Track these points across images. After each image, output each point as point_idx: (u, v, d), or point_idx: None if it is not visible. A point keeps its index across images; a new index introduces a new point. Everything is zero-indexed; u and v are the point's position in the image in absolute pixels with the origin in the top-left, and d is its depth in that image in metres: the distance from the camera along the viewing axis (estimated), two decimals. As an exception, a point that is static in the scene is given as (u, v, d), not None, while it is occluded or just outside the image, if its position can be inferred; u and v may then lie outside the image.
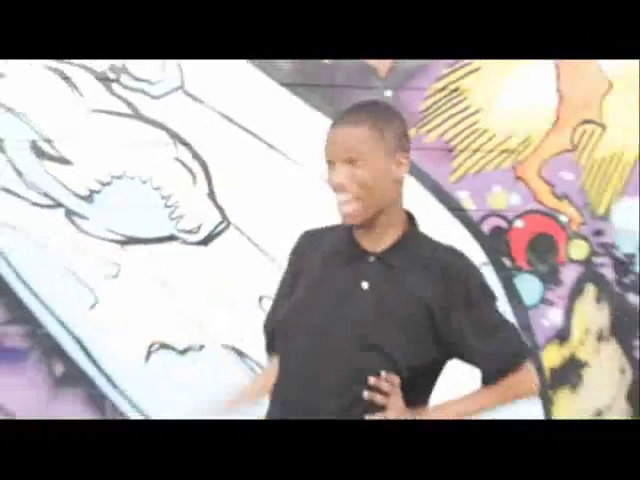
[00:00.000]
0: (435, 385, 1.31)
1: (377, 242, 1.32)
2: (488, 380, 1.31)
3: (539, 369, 2.31)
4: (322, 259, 1.39)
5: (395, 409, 1.27)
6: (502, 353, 1.30)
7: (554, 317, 2.32)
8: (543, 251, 2.30)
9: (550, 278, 2.31)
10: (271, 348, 1.47)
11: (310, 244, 1.45)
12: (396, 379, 1.24)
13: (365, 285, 1.31)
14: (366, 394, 1.24)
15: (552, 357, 2.31)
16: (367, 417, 1.26)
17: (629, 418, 2.39)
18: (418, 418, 1.28)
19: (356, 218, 1.28)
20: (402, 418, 1.28)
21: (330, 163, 1.30)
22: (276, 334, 1.43)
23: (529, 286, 2.29)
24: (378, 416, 1.25)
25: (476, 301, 1.33)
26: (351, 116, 1.31)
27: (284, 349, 1.40)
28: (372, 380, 1.23)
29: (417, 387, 1.31)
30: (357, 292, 1.32)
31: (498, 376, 1.29)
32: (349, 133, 1.28)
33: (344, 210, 1.28)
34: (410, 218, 1.38)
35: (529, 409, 2.18)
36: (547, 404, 2.31)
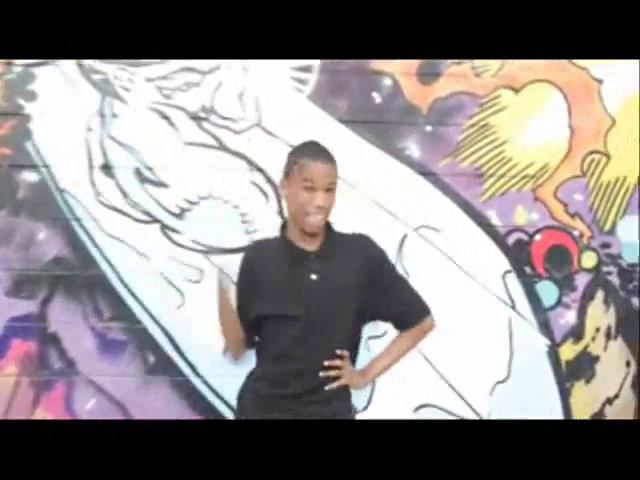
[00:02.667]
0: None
1: (308, 244, 1.66)
2: (402, 328, 1.72)
3: (557, 363, 2.39)
4: (271, 263, 1.67)
5: (348, 376, 1.64)
6: (412, 308, 1.71)
7: (569, 318, 2.42)
8: (559, 261, 2.42)
9: (565, 284, 2.42)
10: (251, 337, 1.71)
11: (257, 253, 1.75)
12: (346, 353, 1.63)
13: (314, 276, 1.64)
14: (322, 374, 1.59)
15: (568, 352, 2.42)
16: (327, 388, 1.59)
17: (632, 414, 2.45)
18: (363, 380, 1.67)
19: (318, 229, 1.63)
20: (353, 382, 1.67)
21: (311, 189, 1.60)
22: (254, 326, 1.67)
23: (547, 291, 2.41)
24: (336, 383, 1.61)
25: (386, 273, 1.72)
26: (324, 154, 1.65)
27: (265, 337, 1.66)
28: (326, 363, 1.59)
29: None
30: (308, 283, 1.63)
31: (410, 326, 1.72)
32: (330, 169, 1.64)
33: (315, 222, 1.61)
34: (326, 224, 1.71)
35: (549, 398, 2.41)
36: (565, 394, 2.39)
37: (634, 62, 2.41)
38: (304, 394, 1.63)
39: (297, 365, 1.63)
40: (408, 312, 1.73)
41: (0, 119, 2.27)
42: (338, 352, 1.62)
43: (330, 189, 1.63)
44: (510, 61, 2.38)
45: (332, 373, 1.61)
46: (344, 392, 1.71)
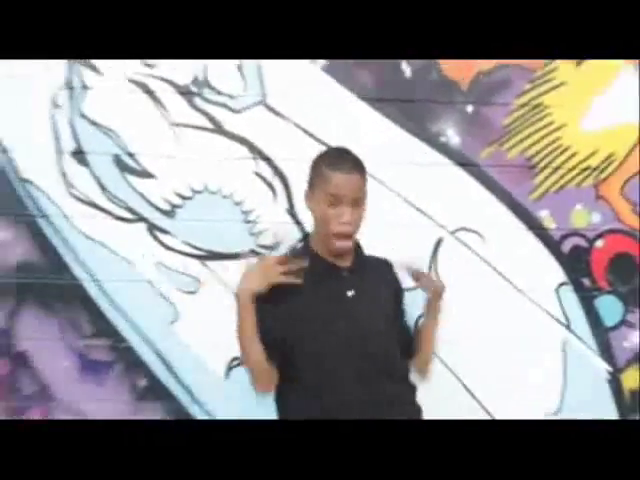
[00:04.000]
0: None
1: (342, 260, 1.60)
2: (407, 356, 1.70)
3: (619, 391, 2.17)
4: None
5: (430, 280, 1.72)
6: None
7: (634, 339, 2.19)
8: (624, 272, 2.18)
9: (631, 299, 2.18)
10: (273, 357, 1.57)
11: None
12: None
13: (350, 293, 1.58)
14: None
15: (632, 380, 2.18)
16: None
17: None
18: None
19: (348, 251, 1.57)
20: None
21: (337, 201, 1.51)
22: (279, 345, 1.54)
23: (609, 307, 2.19)
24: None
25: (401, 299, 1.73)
26: (350, 163, 1.55)
27: (296, 358, 1.55)
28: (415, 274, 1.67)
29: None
30: (345, 299, 1.57)
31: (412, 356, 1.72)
32: (356, 180, 1.54)
33: (344, 247, 1.54)
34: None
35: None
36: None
37: None
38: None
39: (351, 393, 1.53)
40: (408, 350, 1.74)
41: None
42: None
43: (358, 204, 1.55)
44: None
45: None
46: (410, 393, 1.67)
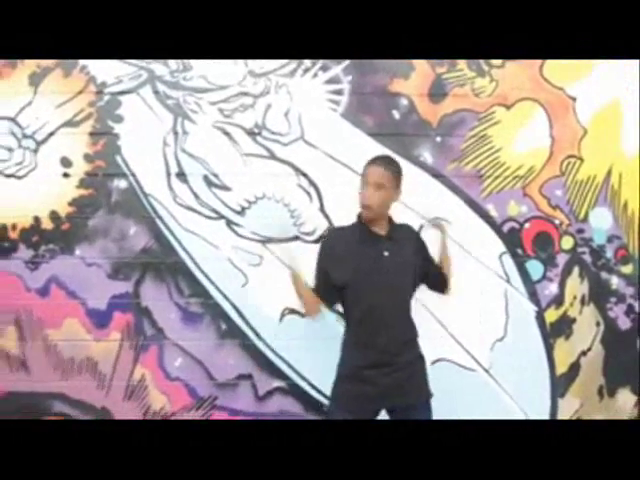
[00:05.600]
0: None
1: (380, 229, 2.05)
2: (434, 288, 2.17)
3: (543, 324, 2.73)
4: (352, 242, 2.01)
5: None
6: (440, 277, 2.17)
7: (552, 289, 2.76)
8: (544, 244, 2.73)
9: (549, 262, 2.75)
10: (331, 301, 2.04)
11: (337, 235, 2.10)
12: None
13: (386, 253, 2.03)
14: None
15: (551, 316, 2.75)
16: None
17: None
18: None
19: (370, 218, 2.00)
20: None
21: (365, 183, 1.99)
22: (334, 292, 2.00)
23: (535, 268, 2.74)
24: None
25: (426, 252, 2.17)
26: (380, 160, 2.04)
27: (352, 301, 1.99)
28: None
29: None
30: (382, 258, 1.99)
31: (437, 289, 2.18)
32: (381, 170, 2.01)
33: (365, 213, 1.97)
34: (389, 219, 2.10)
35: (537, 351, 2.72)
36: (549, 348, 2.74)
37: (603, 78, 2.71)
38: (381, 365, 1.96)
39: (376, 326, 1.96)
40: (438, 280, 2.19)
41: (95, 138, 2.68)
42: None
43: (380, 187, 1.99)
44: (502, 81, 2.71)
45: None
46: (418, 358, 2.08)
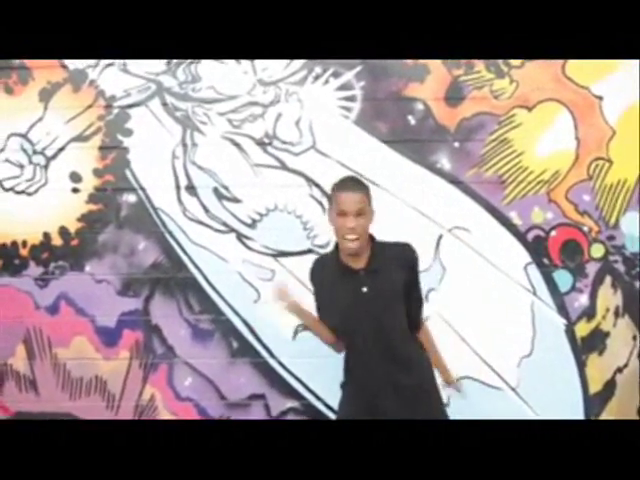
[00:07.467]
0: None
1: (359, 261, 1.86)
2: (413, 328, 1.94)
3: (573, 340, 2.61)
4: (328, 280, 1.88)
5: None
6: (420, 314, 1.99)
7: (582, 300, 2.63)
8: (572, 252, 2.62)
9: (578, 272, 2.62)
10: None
11: (318, 269, 1.96)
12: None
13: (365, 289, 1.86)
14: None
15: (582, 330, 2.62)
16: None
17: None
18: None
19: (357, 250, 1.83)
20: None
21: (343, 213, 1.81)
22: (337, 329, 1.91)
23: (563, 278, 2.62)
24: None
25: (416, 281, 1.95)
26: (354, 185, 1.85)
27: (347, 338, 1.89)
28: None
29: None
30: (360, 295, 1.83)
31: (419, 328, 1.99)
32: (359, 196, 1.83)
33: (352, 246, 1.81)
34: (371, 238, 1.90)
35: (568, 369, 2.59)
36: (581, 365, 2.61)
37: (631, 75, 2.58)
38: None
39: (367, 373, 1.84)
40: (419, 317, 2.02)
41: (104, 152, 2.67)
42: None
43: (360, 214, 1.83)
44: (523, 82, 2.59)
45: None
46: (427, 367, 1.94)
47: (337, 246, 1.94)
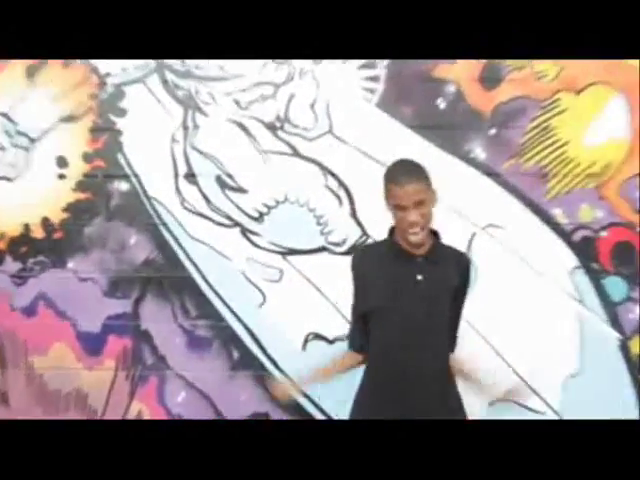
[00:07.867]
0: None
1: (419, 249, 1.74)
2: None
3: (628, 356, 2.38)
4: (380, 263, 1.77)
5: None
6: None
7: (638, 311, 2.40)
8: (625, 257, 2.41)
9: (633, 279, 2.42)
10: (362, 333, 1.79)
11: (365, 254, 1.88)
12: None
13: (420, 277, 1.75)
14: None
15: (638, 346, 2.39)
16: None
17: None
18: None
19: (422, 240, 1.72)
20: None
21: (402, 208, 1.68)
22: (368, 319, 1.76)
23: (615, 286, 2.41)
24: None
25: (464, 292, 1.83)
26: (408, 174, 1.71)
27: (378, 331, 1.74)
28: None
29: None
30: (414, 282, 1.73)
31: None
32: (414, 187, 1.69)
33: (416, 240, 1.70)
34: (434, 233, 1.82)
35: (622, 390, 2.38)
36: (638, 386, 2.37)
37: None
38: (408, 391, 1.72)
39: (402, 355, 1.70)
40: (454, 333, 1.86)
41: (95, 134, 2.47)
42: None
43: (420, 204, 1.69)
44: (569, 64, 2.39)
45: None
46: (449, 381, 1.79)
47: (392, 231, 1.82)
